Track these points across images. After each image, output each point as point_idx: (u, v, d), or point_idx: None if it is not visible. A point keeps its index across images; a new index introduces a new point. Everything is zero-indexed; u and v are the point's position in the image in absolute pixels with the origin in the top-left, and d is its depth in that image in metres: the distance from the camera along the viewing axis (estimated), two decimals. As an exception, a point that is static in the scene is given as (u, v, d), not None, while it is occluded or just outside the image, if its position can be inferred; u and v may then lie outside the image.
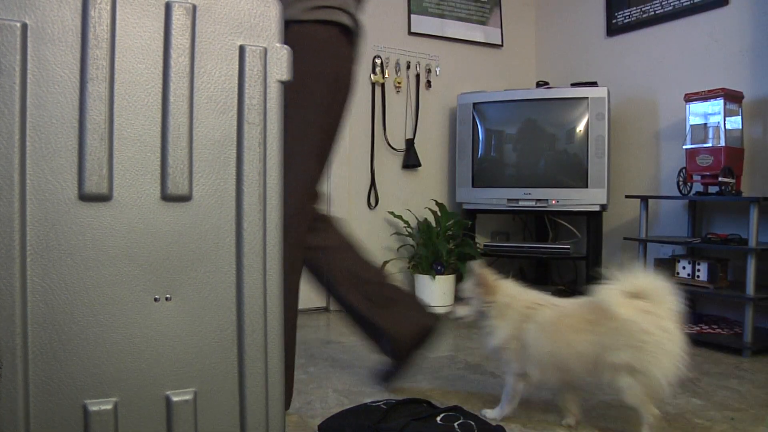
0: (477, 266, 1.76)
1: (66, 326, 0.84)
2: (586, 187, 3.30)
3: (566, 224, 3.79)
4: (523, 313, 1.70)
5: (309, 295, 3.42)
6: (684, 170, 2.94)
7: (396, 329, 1.88)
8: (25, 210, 0.81)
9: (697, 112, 2.86)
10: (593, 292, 1.64)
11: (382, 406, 1.55)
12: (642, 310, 1.57)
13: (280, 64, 0.97)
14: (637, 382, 1.55)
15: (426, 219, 3.60)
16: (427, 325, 1.93)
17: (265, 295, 0.96)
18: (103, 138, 0.84)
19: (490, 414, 1.77)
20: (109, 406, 0.86)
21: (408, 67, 3.71)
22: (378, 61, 3.59)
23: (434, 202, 3.61)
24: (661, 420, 1.64)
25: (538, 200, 3.42)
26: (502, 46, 4.05)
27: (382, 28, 3.62)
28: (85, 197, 0.84)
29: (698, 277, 2.74)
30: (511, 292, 1.75)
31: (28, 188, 0.81)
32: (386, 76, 3.63)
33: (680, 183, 2.98)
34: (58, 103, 0.82)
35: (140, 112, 0.87)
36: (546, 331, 1.66)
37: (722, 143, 2.72)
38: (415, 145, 3.70)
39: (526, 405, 1.87)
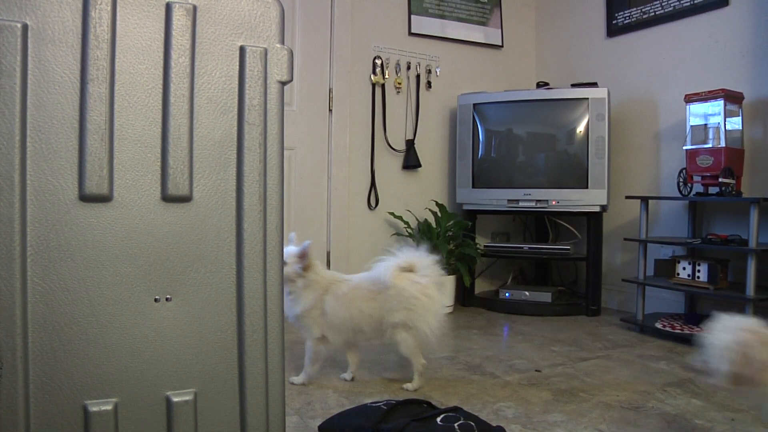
0: (309, 243, 2.06)
1: (66, 327, 0.84)
2: (587, 187, 3.30)
3: (566, 225, 3.79)
4: (324, 287, 2.06)
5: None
6: (684, 171, 2.94)
7: None
8: (26, 210, 0.81)
9: (698, 113, 2.86)
10: (373, 267, 2.05)
11: (382, 406, 1.55)
12: (411, 280, 2.02)
13: (281, 64, 0.97)
14: (410, 336, 2.00)
15: (426, 220, 3.60)
16: None
17: (266, 295, 0.96)
18: (104, 138, 0.85)
19: (297, 380, 2.08)
20: (109, 407, 0.86)
21: (408, 67, 3.71)
22: (378, 61, 3.59)
23: (434, 203, 3.61)
24: (426, 368, 2.08)
25: (538, 201, 3.42)
26: (502, 46, 4.05)
27: (383, 29, 3.62)
28: (85, 198, 0.84)
29: (698, 277, 2.74)
30: (320, 271, 2.09)
31: (29, 189, 0.81)
32: (386, 76, 3.63)
33: (680, 184, 2.98)
34: (58, 104, 0.83)
35: (141, 112, 0.87)
36: (342, 301, 2.04)
37: (722, 144, 2.72)
38: (415, 145, 3.70)
39: (527, 406, 1.87)
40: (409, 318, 2.00)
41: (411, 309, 2.00)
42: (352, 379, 2.13)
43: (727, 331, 1.36)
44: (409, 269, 2.05)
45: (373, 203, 3.61)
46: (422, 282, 2.03)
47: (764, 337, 1.32)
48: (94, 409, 0.85)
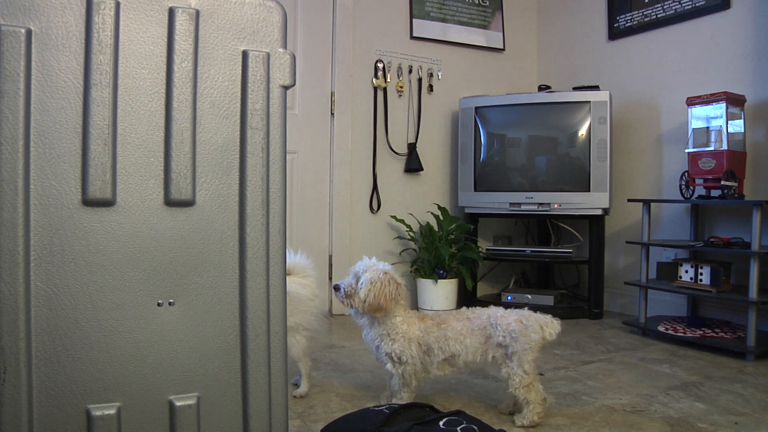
0: None
1: (69, 331, 0.84)
2: (589, 190, 3.30)
3: (568, 228, 3.78)
4: None
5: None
6: (686, 174, 2.94)
7: None
8: (29, 215, 0.81)
9: (700, 116, 2.86)
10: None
11: (385, 410, 1.55)
12: (299, 283, 2.02)
13: (283, 69, 0.97)
14: (303, 338, 1.99)
15: (428, 223, 3.60)
16: None
17: (268, 299, 0.96)
18: (107, 143, 0.85)
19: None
20: (112, 411, 0.86)
21: (410, 71, 3.71)
22: (380, 65, 3.60)
23: (436, 206, 3.61)
24: (311, 369, 2.08)
25: (540, 204, 3.41)
26: (503, 50, 4.06)
27: (384, 33, 3.63)
28: (88, 202, 0.84)
29: (701, 280, 2.74)
30: None
31: (32, 193, 0.82)
32: (388, 80, 3.63)
33: (682, 186, 2.97)
34: (62, 109, 0.83)
35: (144, 117, 0.88)
36: None
37: (724, 147, 2.72)
38: (417, 149, 3.70)
39: (529, 409, 1.87)
40: (304, 320, 2.00)
41: (306, 311, 2.00)
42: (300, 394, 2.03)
43: (370, 271, 1.81)
44: (288, 273, 2.07)
45: (375, 207, 3.62)
46: (309, 284, 2.05)
47: (394, 278, 1.81)
48: (97, 413, 0.85)
